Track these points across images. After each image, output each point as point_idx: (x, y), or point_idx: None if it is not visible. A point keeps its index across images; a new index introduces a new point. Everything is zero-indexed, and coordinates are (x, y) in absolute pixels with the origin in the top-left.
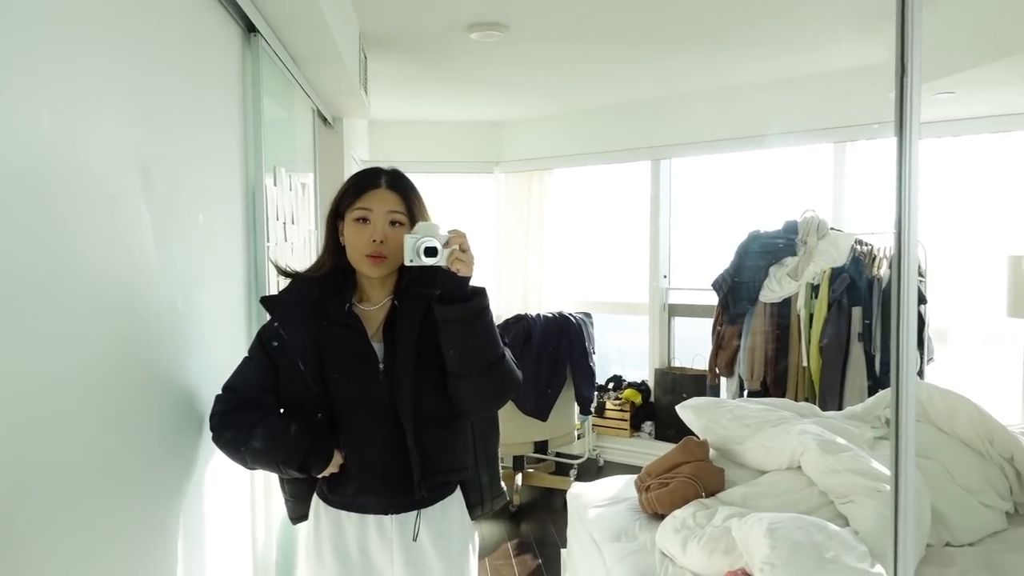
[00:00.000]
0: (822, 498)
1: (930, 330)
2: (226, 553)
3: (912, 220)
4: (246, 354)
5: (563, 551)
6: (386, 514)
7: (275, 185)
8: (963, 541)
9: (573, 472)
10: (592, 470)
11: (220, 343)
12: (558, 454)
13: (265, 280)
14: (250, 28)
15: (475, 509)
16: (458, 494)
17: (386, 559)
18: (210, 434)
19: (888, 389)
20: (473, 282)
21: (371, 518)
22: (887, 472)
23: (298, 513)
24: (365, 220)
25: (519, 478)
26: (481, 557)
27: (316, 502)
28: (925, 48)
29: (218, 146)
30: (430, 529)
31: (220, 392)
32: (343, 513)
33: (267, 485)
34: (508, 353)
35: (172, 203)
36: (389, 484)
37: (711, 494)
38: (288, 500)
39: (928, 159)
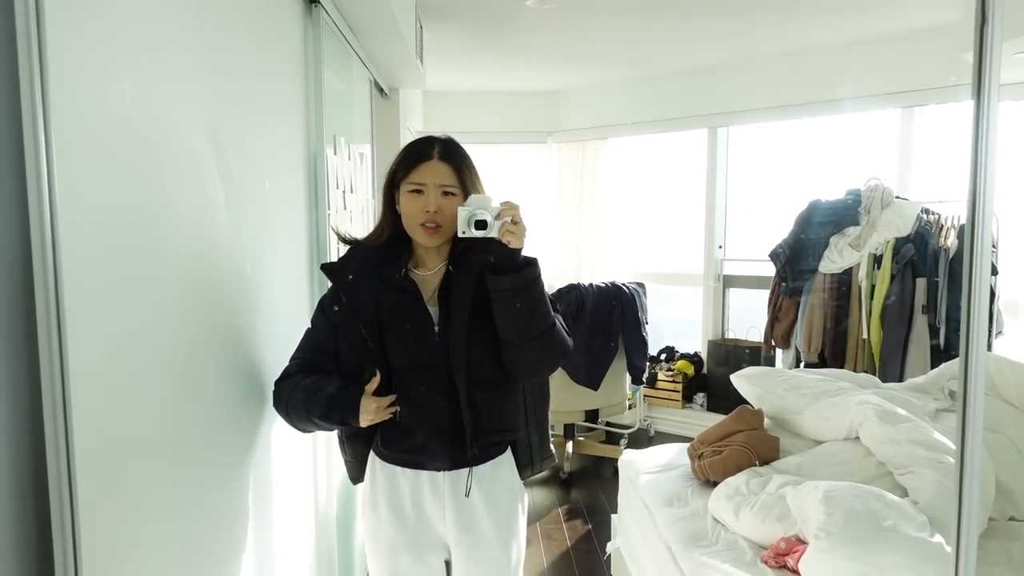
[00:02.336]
0: (880, 468)
1: (1000, 303)
2: (290, 510)
3: (988, 188)
4: (308, 323)
5: (613, 516)
6: (439, 471)
7: (335, 154)
8: None
9: (623, 441)
10: (643, 440)
11: (284, 306)
12: (609, 423)
13: (327, 246)
14: (311, 0)
15: (525, 470)
16: (508, 454)
17: (439, 514)
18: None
19: (953, 361)
20: (525, 252)
21: (425, 474)
22: (948, 443)
23: (357, 473)
24: (419, 191)
25: (570, 446)
26: (532, 522)
27: (372, 459)
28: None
29: (282, 115)
30: (481, 487)
31: (288, 363)
32: (398, 469)
33: (328, 446)
34: (559, 321)
35: (241, 169)
36: (442, 442)
37: (765, 463)
38: (348, 461)
39: (1006, 123)
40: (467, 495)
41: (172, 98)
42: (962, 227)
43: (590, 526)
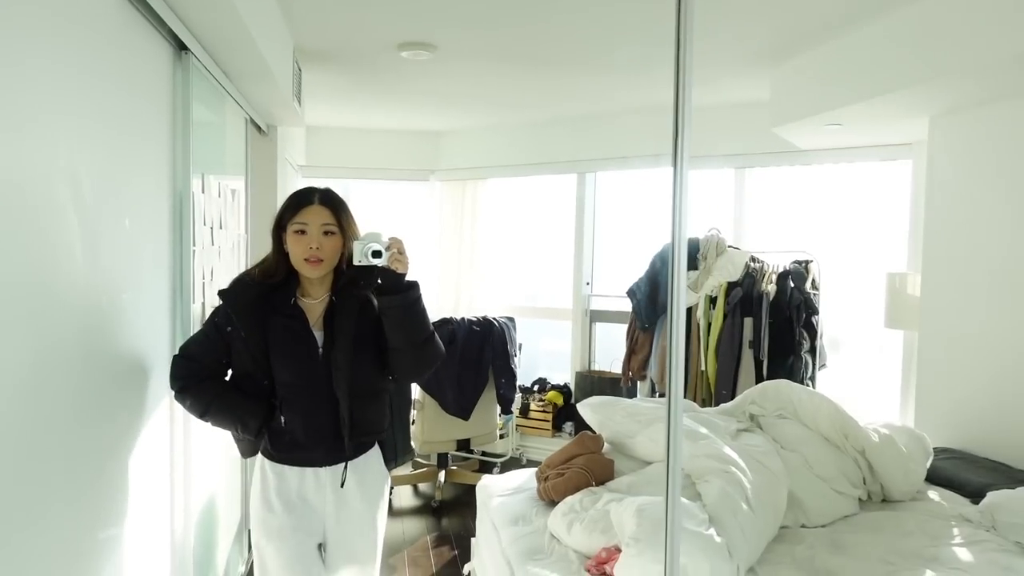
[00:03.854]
0: (686, 480)
1: (823, 339)
2: (144, 541)
3: (682, 233)
4: (200, 329)
5: (472, 540)
6: (321, 466)
7: (203, 192)
8: (816, 523)
9: (496, 470)
10: (515, 468)
11: (143, 340)
12: (483, 453)
13: (191, 281)
14: (181, 47)
15: (390, 462)
16: (376, 449)
17: (320, 501)
18: (172, 409)
19: (754, 387)
20: (408, 278)
21: (309, 470)
22: (735, 456)
23: (247, 452)
24: (303, 232)
25: (442, 475)
26: (400, 549)
27: (261, 460)
28: (816, 83)
29: (146, 156)
30: (354, 475)
31: (178, 357)
32: (286, 467)
33: (187, 473)
34: (435, 333)
35: (99, 209)
36: (324, 443)
37: (601, 483)
38: (239, 442)
39: (819, 183)
40: (342, 486)
41: (28, 143)
42: (780, 274)
43: (456, 552)
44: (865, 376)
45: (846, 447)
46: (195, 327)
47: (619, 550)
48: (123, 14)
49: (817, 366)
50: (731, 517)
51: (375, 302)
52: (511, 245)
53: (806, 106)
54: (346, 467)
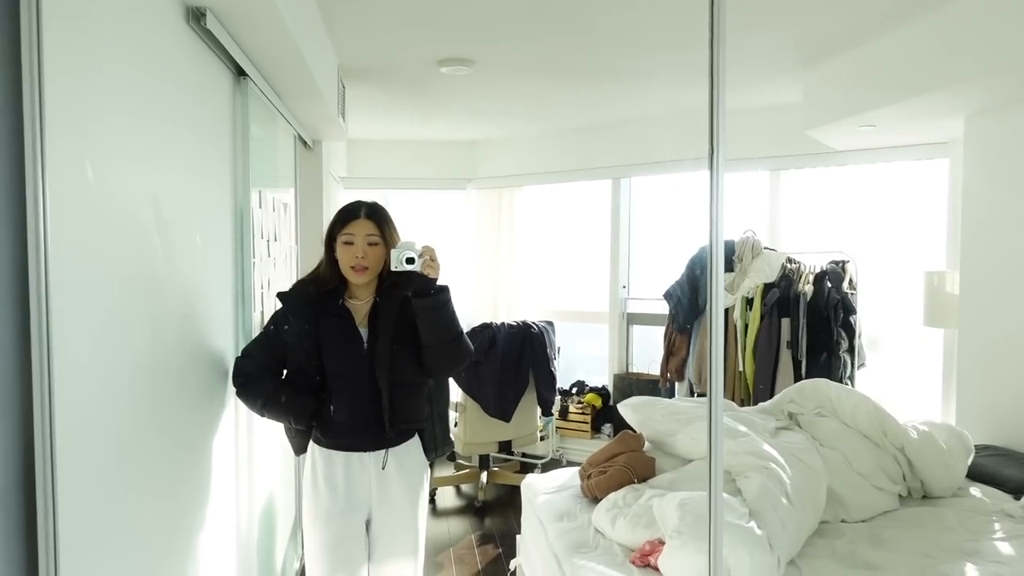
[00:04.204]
0: (727, 477)
1: (862, 339)
2: (213, 535)
3: (719, 236)
4: (261, 331)
5: (518, 536)
6: (365, 451)
7: (260, 207)
8: (856, 518)
9: (537, 471)
10: (555, 469)
11: (214, 349)
12: (524, 454)
13: (251, 291)
14: (239, 72)
15: (430, 452)
16: (416, 439)
17: (365, 484)
18: (237, 412)
19: (792, 386)
20: (440, 282)
21: (354, 455)
22: (773, 453)
23: (299, 448)
24: (350, 243)
25: (484, 476)
26: (446, 547)
27: (312, 447)
28: (850, 85)
29: (212, 176)
30: (396, 461)
31: (240, 358)
32: (333, 453)
33: (250, 475)
34: (465, 333)
35: (176, 227)
36: (368, 430)
37: (643, 480)
38: (292, 440)
39: (855, 183)
40: (383, 468)
41: (123, 174)
42: (817, 275)
43: (500, 550)
44: (905, 375)
45: (885, 444)
46: (256, 334)
47: (662, 543)
48: (190, 44)
49: (856, 365)
50: (771, 511)
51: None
52: (548, 251)
53: (839, 108)
54: (386, 452)
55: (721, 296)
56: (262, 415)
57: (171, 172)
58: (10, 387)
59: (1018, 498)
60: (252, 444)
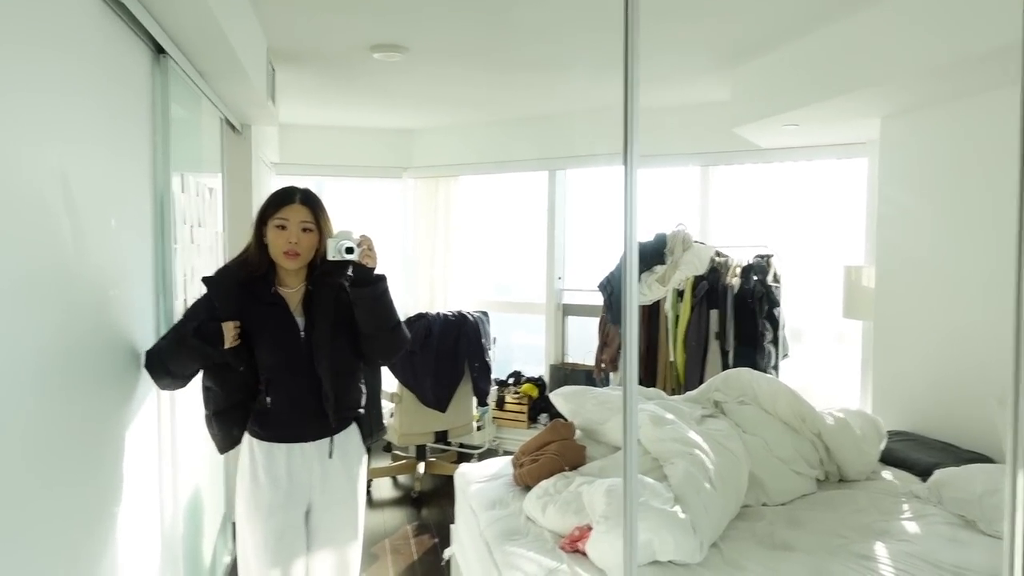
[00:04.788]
0: (655, 463)
1: (785, 330)
2: (135, 529)
3: (633, 229)
4: (178, 321)
5: (452, 526)
6: (307, 441)
7: (183, 192)
8: (776, 502)
9: (474, 461)
10: (492, 459)
11: (131, 338)
12: (461, 444)
13: (172, 278)
14: (159, 49)
15: (367, 438)
16: (354, 426)
17: (307, 474)
18: (159, 403)
19: (717, 376)
20: (377, 272)
21: (296, 446)
22: (698, 440)
23: (224, 445)
24: (283, 227)
25: (421, 466)
26: (381, 538)
27: (248, 440)
28: (774, 85)
29: (129, 157)
30: (338, 449)
31: (151, 350)
32: (274, 445)
33: (175, 465)
34: (402, 321)
35: (87, 209)
36: (309, 420)
37: (573, 467)
38: (216, 435)
39: (780, 180)
40: (330, 456)
41: (25, 147)
42: (743, 268)
43: (436, 540)
44: (826, 365)
45: (803, 430)
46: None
47: (591, 528)
48: (104, 19)
49: (780, 356)
50: (695, 495)
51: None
52: (484, 242)
53: (764, 107)
54: (331, 441)
55: (634, 286)
56: (170, 370)
57: (82, 151)
58: None
59: (925, 480)
60: (176, 436)
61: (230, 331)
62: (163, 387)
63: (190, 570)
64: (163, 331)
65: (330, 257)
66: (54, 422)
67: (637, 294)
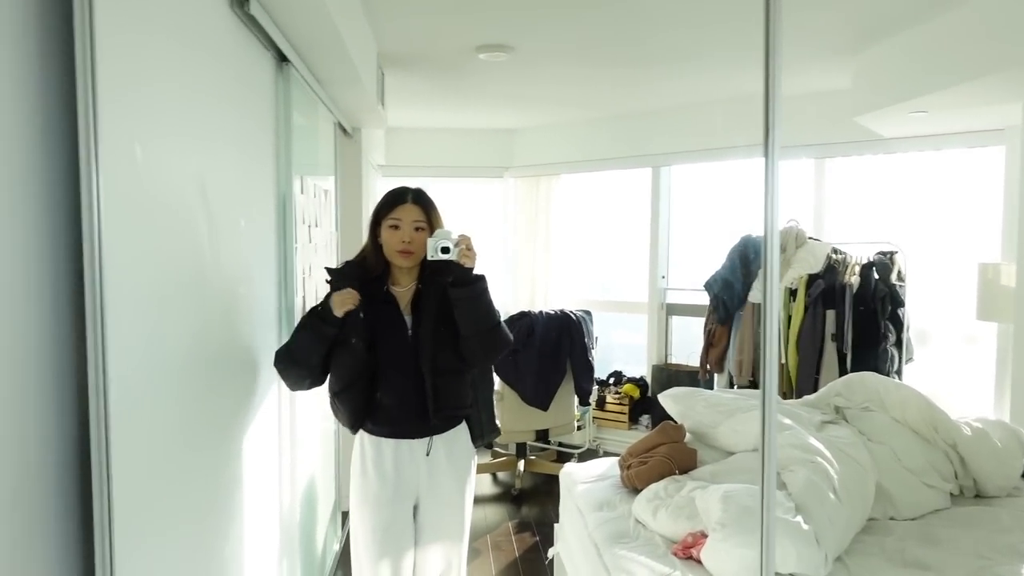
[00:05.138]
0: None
1: (910, 332)
2: (257, 516)
3: (774, 224)
4: (304, 317)
5: (556, 525)
6: (412, 438)
7: (301, 193)
8: (906, 516)
9: (573, 460)
10: (592, 459)
11: (257, 332)
12: (560, 443)
13: (294, 276)
14: (282, 58)
15: (477, 440)
16: (464, 426)
17: (413, 471)
18: (280, 395)
19: (838, 380)
20: (477, 272)
21: (403, 442)
22: (819, 446)
23: (352, 421)
24: (397, 227)
25: (521, 464)
26: (483, 534)
27: (360, 434)
28: (901, 69)
29: (255, 161)
30: (444, 449)
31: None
32: (382, 440)
33: (293, 455)
34: (502, 322)
35: (221, 211)
36: (413, 417)
37: (684, 471)
38: (341, 413)
39: (903, 171)
40: (428, 454)
41: (169, 156)
42: (864, 266)
43: (537, 538)
44: (955, 370)
45: (936, 440)
46: (298, 318)
47: (705, 535)
48: (236, 30)
49: (904, 359)
50: (818, 506)
51: None
52: (586, 240)
53: (890, 94)
54: (430, 440)
55: (776, 285)
56: (295, 360)
57: (217, 156)
58: (66, 367)
59: None
60: (294, 427)
61: (344, 298)
62: (292, 385)
63: (305, 555)
64: (284, 327)
65: (428, 257)
66: (190, 413)
67: (779, 294)
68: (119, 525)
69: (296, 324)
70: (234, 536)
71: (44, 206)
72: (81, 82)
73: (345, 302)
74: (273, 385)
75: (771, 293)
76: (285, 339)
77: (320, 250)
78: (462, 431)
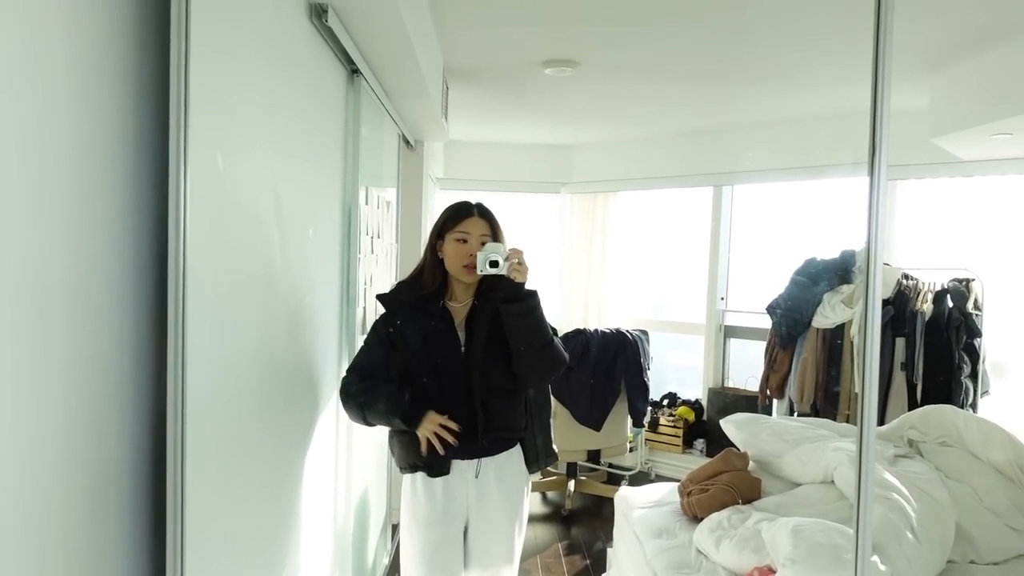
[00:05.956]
0: (843, 502)
1: (986, 364)
2: (313, 526)
3: (878, 246)
4: (363, 343)
5: (609, 549)
6: (462, 459)
7: (366, 204)
8: (987, 560)
9: (624, 482)
10: (643, 482)
11: (321, 342)
12: (611, 465)
13: (356, 286)
14: (354, 70)
15: (531, 464)
16: (518, 448)
17: (462, 491)
18: (338, 408)
19: (912, 412)
20: (531, 287)
21: (453, 462)
22: (895, 482)
23: (404, 464)
24: (464, 240)
25: (572, 484)
26: (533, 554)
27: None
28: (983, 90)
29: (325, 171)
30: (494, 471)
31: (346, 374)
32: (432, 459)
33: (348, 466)
34: (557, 339)
35: (292, 220)
36: (464, 438)
37: (747, 501)
38: (398, 455)
39: (981, 195)
40: (476, 476)
41: (249, 165)
42: (937, 292)
43: (588, 561)
44: None
45: (1022, 480)
46: (358, 329)
47: (772, 570)
48: (312, 41)
49: (979, 392)
50: (896, 545)
51: None
52: (642, 258)
53: (971, 115)
54: (479, 462)
55: (877, 312)
56: (365, 421)
57: (290, 165)
58: (145, 368)
59: None
60: (351, 438)
61: (427, 427)
62: (352, 419)
63: (356, 566)
64: (344, 338)
65: (479, 272)
66: (256, 421)
67: (879, 318)
68: (190, 528)
69: (362, 341)
70: (292, 546)
71: (134, 208)
72: (175, 91)
73: (431, 432)
74: (332, 396)
75: (872, 319)
76: (345, 351)
77: (381, 261)
78: (515, 454)
